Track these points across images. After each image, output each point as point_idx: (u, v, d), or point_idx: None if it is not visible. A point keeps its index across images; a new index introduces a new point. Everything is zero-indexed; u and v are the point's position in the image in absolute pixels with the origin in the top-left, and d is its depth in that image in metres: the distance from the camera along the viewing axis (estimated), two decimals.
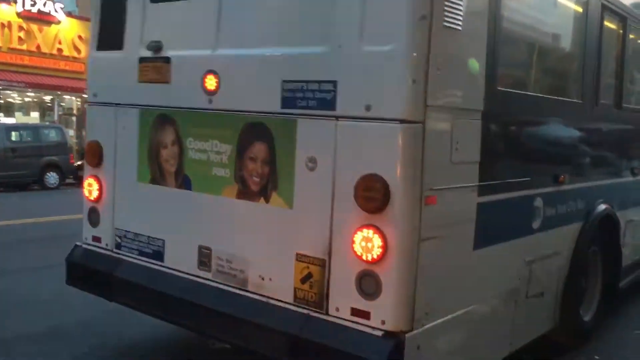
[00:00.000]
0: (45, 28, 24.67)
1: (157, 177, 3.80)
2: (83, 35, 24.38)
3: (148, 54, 3.76)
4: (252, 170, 3.32)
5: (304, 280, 3.10)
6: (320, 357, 2.94)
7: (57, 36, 25.02)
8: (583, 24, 4.39)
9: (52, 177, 17.36)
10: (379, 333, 2.82)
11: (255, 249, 3.33)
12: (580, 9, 4.40)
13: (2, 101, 25.15)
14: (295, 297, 3.12)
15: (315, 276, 3.05)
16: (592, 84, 4.53)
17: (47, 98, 26.41)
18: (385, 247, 2.80)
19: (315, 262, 3.05)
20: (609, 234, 4.94)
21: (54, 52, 24.98)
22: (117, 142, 4.01)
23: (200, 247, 3.56)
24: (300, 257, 3.11)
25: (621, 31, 5.05)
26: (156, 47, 3.72)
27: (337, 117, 2.96)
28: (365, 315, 2.88)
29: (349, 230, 2.89)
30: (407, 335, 2.81)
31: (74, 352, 4.40)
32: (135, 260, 3.90)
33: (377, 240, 2.81)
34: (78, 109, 25.95)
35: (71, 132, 19.56)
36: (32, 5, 23.95)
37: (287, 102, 3.13)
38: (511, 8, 3.48)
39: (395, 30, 2.78)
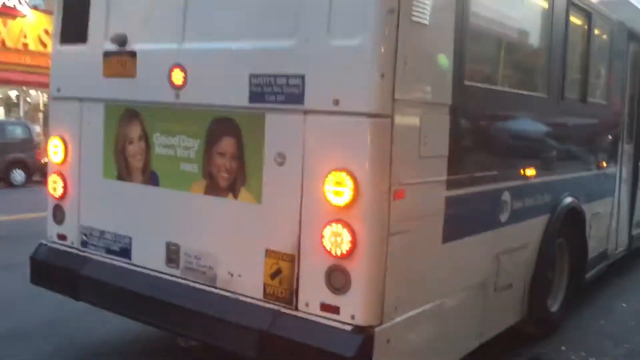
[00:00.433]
0: (10, 22, 24.09)
1: (124, 173, 3.74)
2: (49, 30, 23.84)
3: (113, 47, 3.69)
4: (220, 166, 3.28)
5: (273, 276, 3.08)
6: (290, 353, 2.92)
7: (22, 30, 24.45)
8: (549, 20, 4.44)
9: (18, 175, 16.97)
10: (349, 328, 2.82)
11: (224, 245, 3.30)
12: (546, 5, 4.45)
13: None
14: (265, 293, 3.10)
15: (284, 272, 3.04)
16: (558, 78, 4.60)
17: (13, 93, 25.81)
18: (354, 242, 2.80)
19: (285, 257, 3.03)
20: (575, 226, 5.03)
21: (19, 46, 24.41)
22: (82, 138, 3.93)
23: (168, 244, 3.51)
24: (269, 253, 3.09)
25: (586, 27, 5.13)
26: (121, 40, 3.65)
27: (305, 112, 2.94)
28: (335, 310, 2.87)
29: (318, 225, 2.88)
30: (376, 329, 2.81)
31: (37, 353, 4.30)
32: (101, 258, 3.83)
33: (346, 235, 2.80)
34: (45, 105, 25.42)
35: (38, 129, 19.09)
36: None
37: (255, 96, 3.10)
38: (479, 3, 3.50)
39: (363, 24, 2.77)
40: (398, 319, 2.96)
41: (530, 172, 4.21)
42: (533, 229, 4.39)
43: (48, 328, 4.77)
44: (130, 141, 3.68)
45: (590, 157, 5.48)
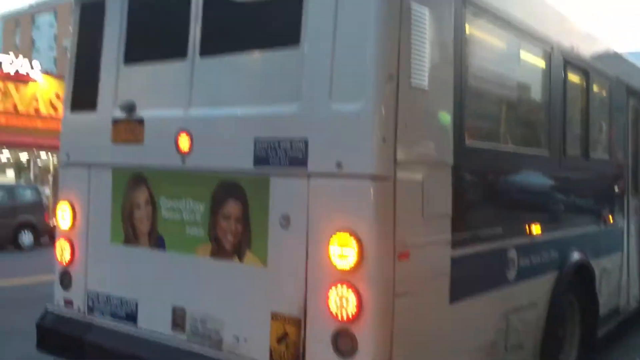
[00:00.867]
0: (22, 87, 24.72)
1: (131, 237, 3.76)
2: (60, 94, 24.43)
3: (121, 114, 3.79)
4: (225, 229, 3.31)
5: (280, 340, 3.05)
6: None
7: (34, 95, 25.05)
8: (547, 79, 4.54)
9: (26, 238, 17.01)
10: None
11: (230, 308, 3.29)
12: (543, 65, 4.55)
13: None
14: (271, 358, 3.06)
15: (291, 336, 3.01)
16: (559, 136, 4.65)
17: (24, 156, 26.19)
18: (359, 304, 2.78)
19: (291, 321, 3.01)
20: (584, 282, 4.96)
21: (31, 111, 24.95)
22: (90, 203, 3.97)
23: (174, 308, 3.50)
24: (275, 316, 3.07)
25: (584, 84, 5.22)
26: (129, 107, 3.75)
27: (309, 175, 2.98)
28: None
29: (323, 288, 2.87)
30: None
31: None
32: (108, 324, 3.80)
33: (352, 298, 2.79)
34: (54, 167, 25.73)
35: (47, 191, 19.32)
36: (10, 64, 24.06)
37: (259, 160, 3.16)
38: (476, 65, 3.60)
39: (364, 89, 2.85)
40: None
41: (535, 229, 4.20)
42: (542, 287, 4.35)
43: None
44: (137, 205, 3.73)
45: (596, 213, 5.47)
